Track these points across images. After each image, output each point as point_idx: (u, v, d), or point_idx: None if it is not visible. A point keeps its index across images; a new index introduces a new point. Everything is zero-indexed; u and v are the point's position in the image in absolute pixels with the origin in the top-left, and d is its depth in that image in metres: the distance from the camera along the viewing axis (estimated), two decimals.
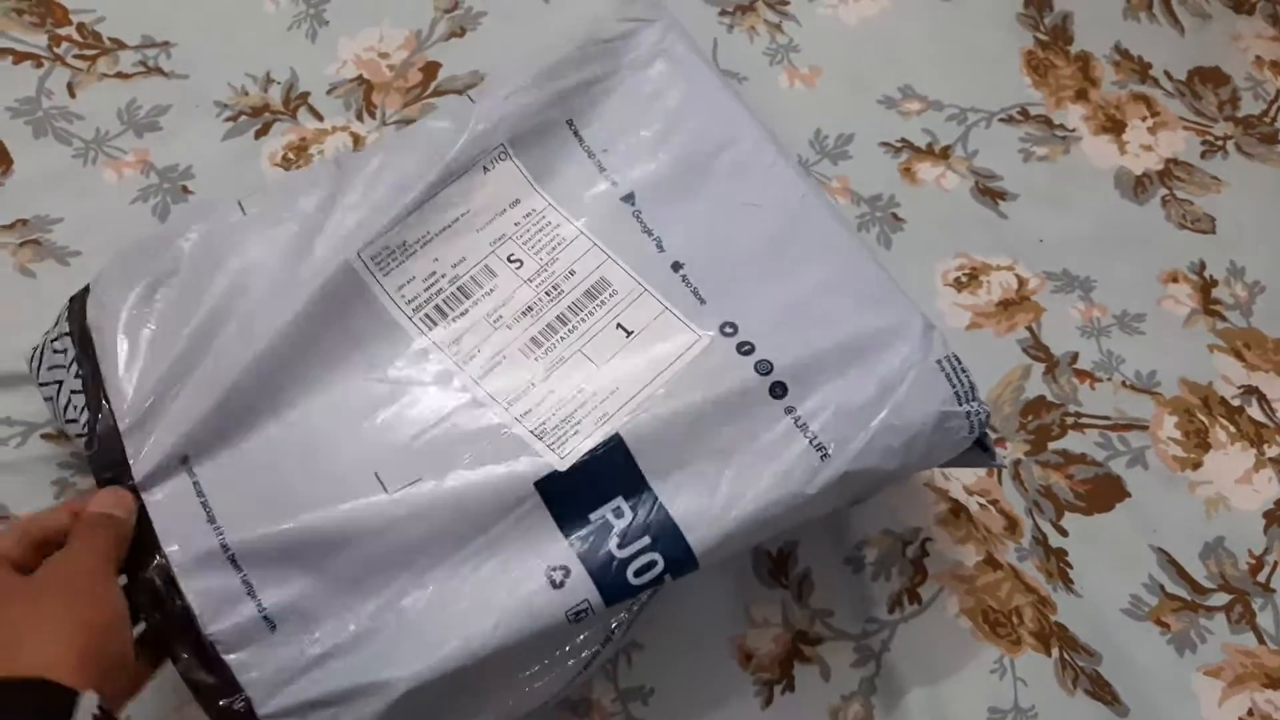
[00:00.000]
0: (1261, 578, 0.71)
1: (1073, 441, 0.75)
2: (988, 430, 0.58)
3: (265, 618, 0.52)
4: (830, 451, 0.54)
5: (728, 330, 0.57)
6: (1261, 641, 0.69)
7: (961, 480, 0.72)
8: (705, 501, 0.53)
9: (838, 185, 0.81)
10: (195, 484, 0.55)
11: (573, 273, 0.60)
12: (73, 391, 0.57)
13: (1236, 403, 0.77)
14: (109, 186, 0.73)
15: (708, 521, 0.53)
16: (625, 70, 0.65)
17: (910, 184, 0.83)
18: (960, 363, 0.57)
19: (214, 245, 0.59)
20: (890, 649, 0.66)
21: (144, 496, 0.54)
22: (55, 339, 0.59)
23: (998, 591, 0.68)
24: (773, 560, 0.67)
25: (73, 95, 0.76)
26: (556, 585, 0.51)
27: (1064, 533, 0.72)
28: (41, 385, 0.59)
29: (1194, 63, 0.90)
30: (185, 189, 0.74)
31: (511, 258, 0.60)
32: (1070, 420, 0.75)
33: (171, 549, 0.53)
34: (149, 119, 0.76)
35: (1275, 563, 0.72)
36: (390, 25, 0.82)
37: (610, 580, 0.52)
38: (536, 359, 0.57)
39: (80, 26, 0.79)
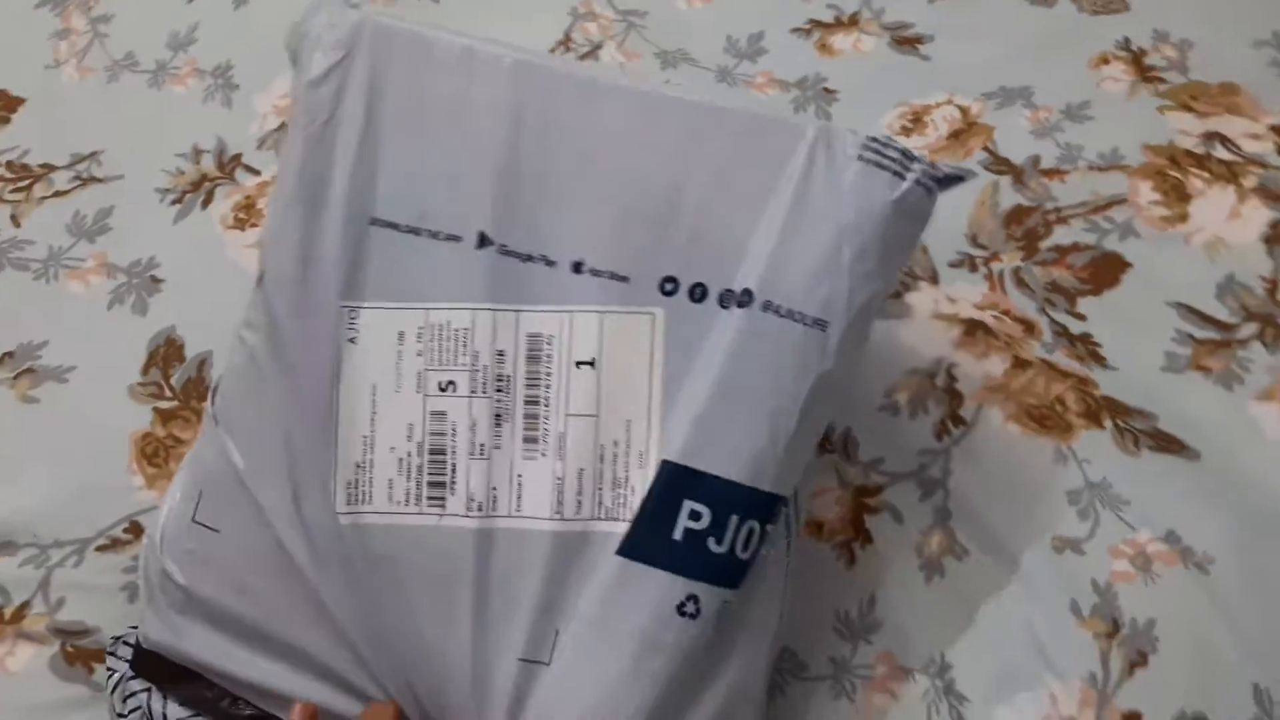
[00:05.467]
0: None
1: (1061, 235, 0.75)
2: (938, 174, 0.54)
3: None
4: (826, 317, 0.52)
5: (668, 288, 0.53)
6: None
7: (969, 300, 0.72)
8: (758, 447, 0.51)
9: (763, 80, 0.83)
10: None
11: (501, 353, 0.53)
12: None
13: (1201, 150, 0.77)
14: (78, 297, 0.75)
15: (769, 463, 0.51)
16: (371, 117, 0.54)
17: (830, 58, 0.84)
18: (878, 139, 0.53)
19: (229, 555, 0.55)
20: (951, 473, 0.66)
21: None
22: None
23: (1034, 388, 0.68)
24: None
25: (17, 225, 0.78)
26: (694, 615, 0.51)
27: (1082, 318, 0.72)
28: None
29: None
30: (154, 279, 0.75)
31: (442, 386, 0.54)
32: (1053, 217, 0.76)
33: None
34: (98, 224, 0.78)
35: None
36: None
37: (729, 573, 0.51)
38: (543, 453, 0.53)
39: (9, 164, 0.80)
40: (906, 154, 0.53)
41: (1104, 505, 0.64)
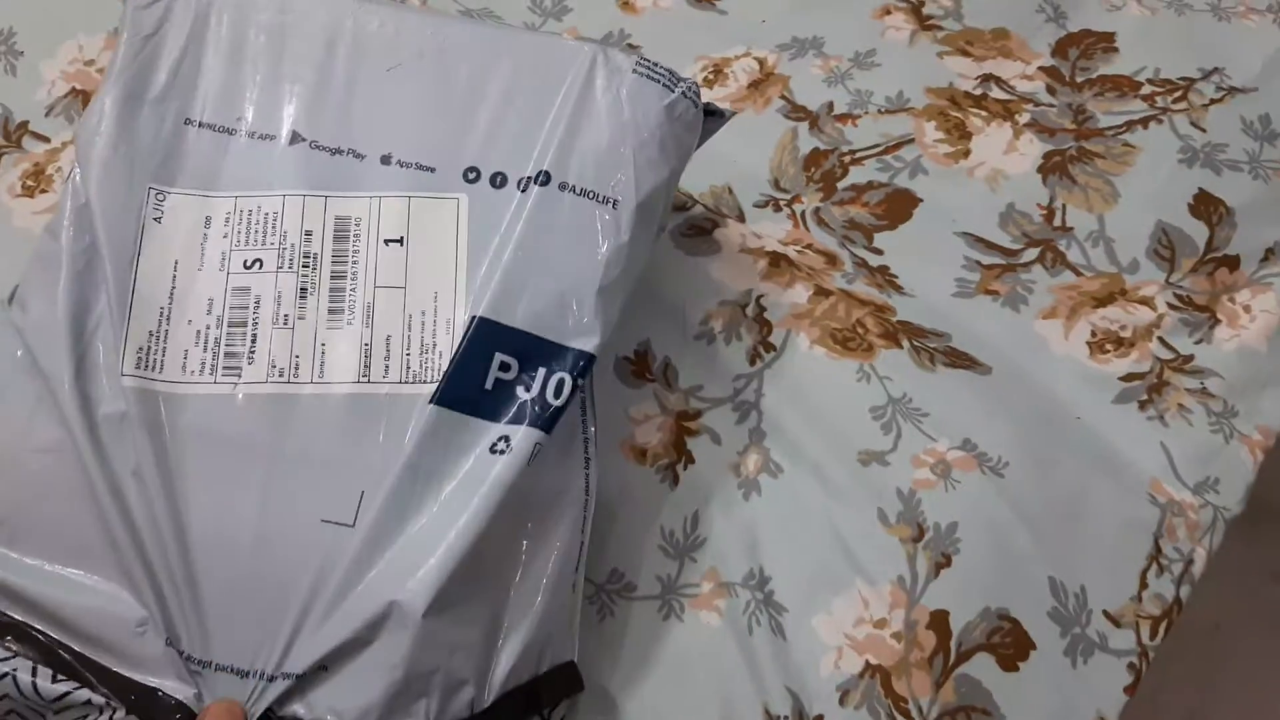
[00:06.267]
0: (1057, 222, 0.75)
1: (856, 175, 0.77)
2: (703, 101, 0.60)
3: None
4: (616, 196, 0.55)
5: (471, 176, 0.56)
6: (1079, 274, 0.73)
7: (774, 236, 0.73)
8: (562, 305, 0.53)
9: (568, 37, 0.82)
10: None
11: (309, 232, 0.55)
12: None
13: (979, 91, 0.81)
14: None
15: (573, 320, 0.53)
16: (193, 39, 0.58)
17: (632, 15, 0.84)
18: (650, 60, 0.58)
19: None
20: (764, 395, 0.66)
21: None
22: None
23: (837, 314, 0.69)
24: (633, 362, 0.67)
25: None
26: (503, 452, 0.50)
27: (879, 251, 0.74)
28: None
29: None
30: None
31: (247, 264, 0.54)
32: (847, 159, 0.78)
33: None
34: None
35: (1063, 204, 0.75)
36: (85, 34, 0.79)
37: (541, 416, 0.51)
38: (349, 322, 0.53)
39: None
40: (673, 73, 0.58)
41: (905, 418, 0.66)
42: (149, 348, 0.52)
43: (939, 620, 0.60)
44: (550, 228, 0.54)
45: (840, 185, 0.77)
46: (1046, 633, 0.61)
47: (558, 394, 0.52)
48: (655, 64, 0.58)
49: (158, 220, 0.54)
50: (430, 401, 0.51)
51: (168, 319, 0.53)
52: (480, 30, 0.60)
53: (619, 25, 0.83)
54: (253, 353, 0.52)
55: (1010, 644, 0.60)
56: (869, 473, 0.64)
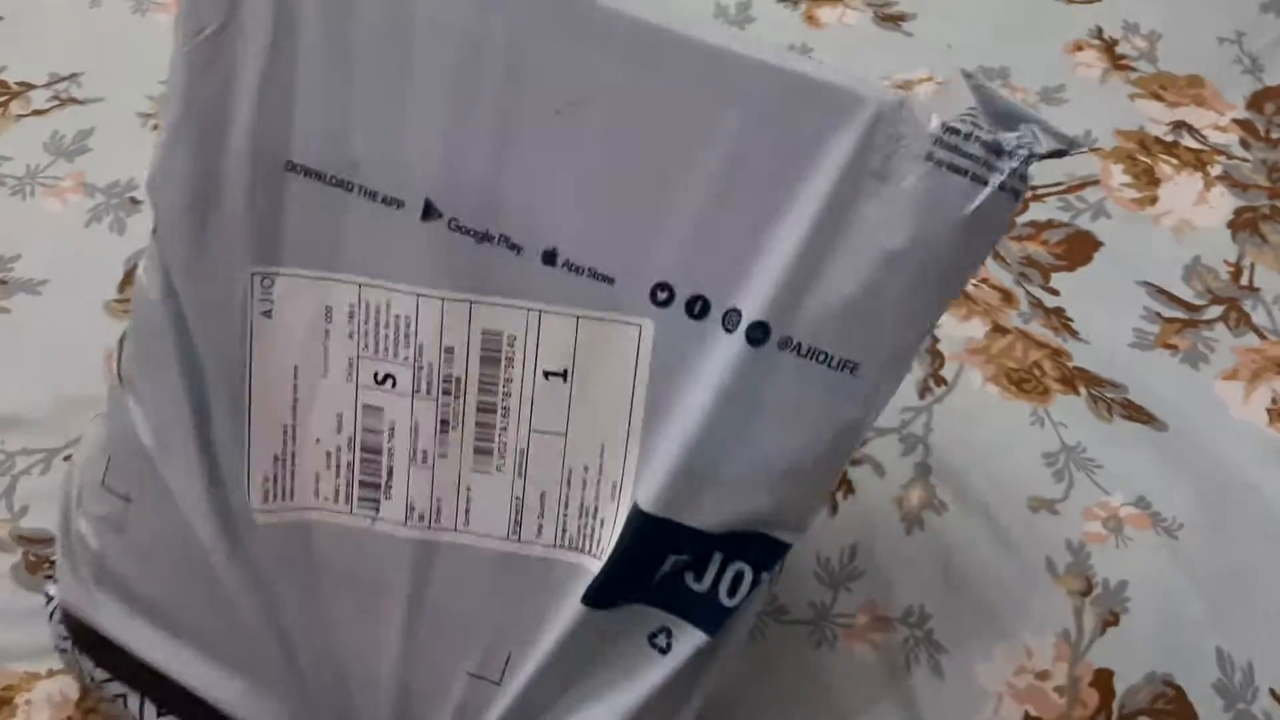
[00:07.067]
0: (1244, 281, 0.71)
1: (1037, 212, 0.74)
2: (1038, 155, 0.36)
3: None
4: (858, 359, 0.39)
5: (661, 296, 0.40)
6: (1263, 337, 0.69)
7: None
8: (757, 505, 0.41)
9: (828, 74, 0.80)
10: None
11: (450, 350, 0.42)
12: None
13: (1170, 138, 0.77)
14: (55, 214, 0.70)
15: (769, 516, 0.42)
16: (280, 33, 0.40)
17: (816, 29, 0.82)
18: (958, 130, 0.36)
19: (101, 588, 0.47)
20: (933, 429, 0.64)
21: None
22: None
23: (1013, 353, 0.67)
24: None
25: None
26: (664, 650, 0.43)
27: (1055, 292, 0.71)
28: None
29: None
30: (133, 200, 0.70)
31: (379, 378, 0.43)
32: (1029, 194, 0.75)
33: None
34: (77, 144, 0.72)
35: (1252, 264, 0.72)
36: None
37: (708, 615, 0.43)
38: (499, 469, 0.43)
39: None
40: (994, 147, 0.36)
41: (1078, 468, 0.63)
42: (276, 475, 0.44)
43: (1103, 679, 0.57)
44: (760, 400, 0.40)
45: (1019, 221, 0.74)
46: (1210, 705, 0.57)
47: (733, 592, 0.42)
48: (967, 137, 0.36)
49: (267, 315, 0.42)
50: (583, 601, 0.42)
51: (293, 438, 0.44)
52: (706, 56, 0.38)
53: (803, 39, 0.81)
54: (390, 487, 0.44)
55: (1173, 712, 0.57)
56: (1038, 520, 0.61)
